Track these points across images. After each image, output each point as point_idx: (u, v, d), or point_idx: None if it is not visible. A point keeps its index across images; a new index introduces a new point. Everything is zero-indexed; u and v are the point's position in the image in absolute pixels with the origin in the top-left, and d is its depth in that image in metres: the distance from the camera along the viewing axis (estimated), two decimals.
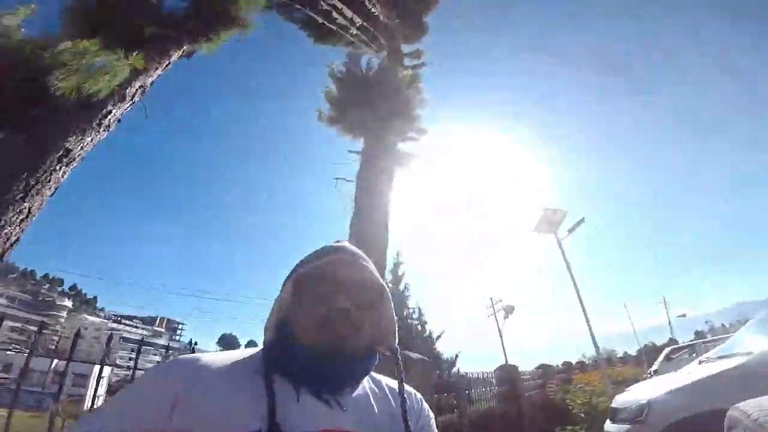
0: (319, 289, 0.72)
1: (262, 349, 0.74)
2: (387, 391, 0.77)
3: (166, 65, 3.77)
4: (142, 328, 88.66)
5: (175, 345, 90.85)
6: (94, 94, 2.83)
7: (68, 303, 79.55)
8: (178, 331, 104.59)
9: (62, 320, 69.69)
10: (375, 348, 0.78)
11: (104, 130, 3.15)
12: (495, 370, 6.57)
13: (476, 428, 4.90)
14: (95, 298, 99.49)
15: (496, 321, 22.62)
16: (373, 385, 0.77)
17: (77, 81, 2.69)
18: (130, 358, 69.08)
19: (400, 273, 21.13)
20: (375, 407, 0.72)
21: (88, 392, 9.93)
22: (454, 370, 16.16)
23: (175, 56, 3.84)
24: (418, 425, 0.76)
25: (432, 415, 0.81)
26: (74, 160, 2.91)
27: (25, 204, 2.55)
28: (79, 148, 2.92)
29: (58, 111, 2.74)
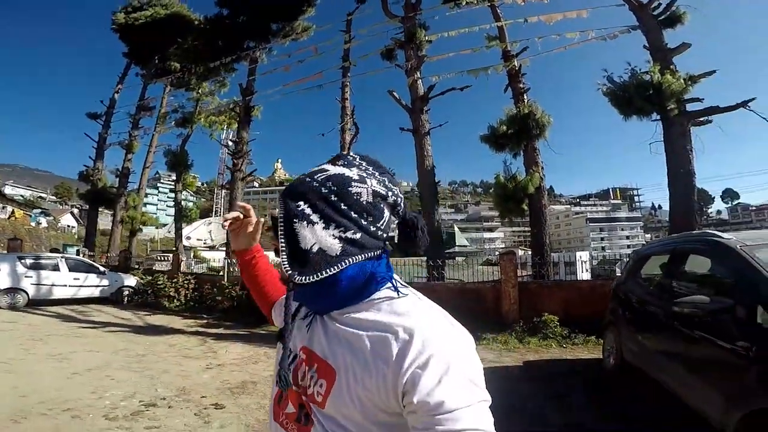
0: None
1: None
2: (363, 323, 0.62)
3: None
4: (600, 205, 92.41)
5: (636, 215, 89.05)
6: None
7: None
8: (636, 198, 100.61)
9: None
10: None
11: None
12: None
13: None
14: (551, 187, 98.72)
15: None
16: (370, 312, 0.62)
17: None
18: (602, 238, 79.35)
19: None
20: (345, 337, 0.62)
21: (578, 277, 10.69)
22: None
23: None
24: (396, 369, 0.55)
25: (436, 368, 0.53)
26: None
27: None
28: None
29: None
